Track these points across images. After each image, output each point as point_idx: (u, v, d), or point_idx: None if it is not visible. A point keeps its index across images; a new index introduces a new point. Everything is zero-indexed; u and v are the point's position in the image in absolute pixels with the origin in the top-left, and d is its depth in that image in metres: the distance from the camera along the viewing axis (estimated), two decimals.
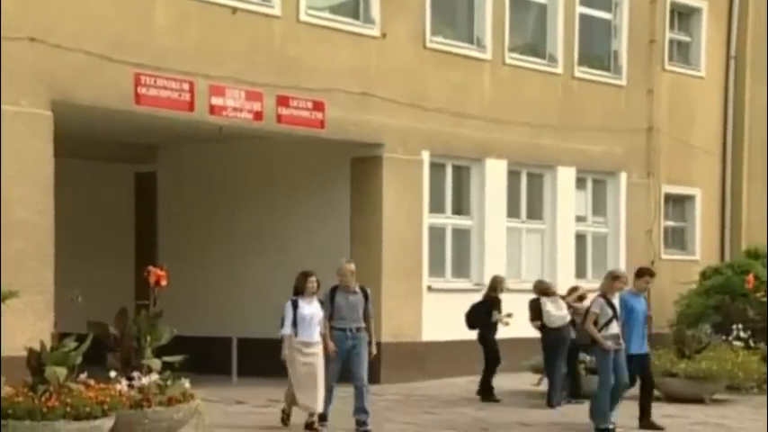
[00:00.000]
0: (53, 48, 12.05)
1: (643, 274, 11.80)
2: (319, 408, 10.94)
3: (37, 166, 11.98)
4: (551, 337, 13.43)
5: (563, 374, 13.45)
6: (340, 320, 11.05)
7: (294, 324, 10.91)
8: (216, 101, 13.58)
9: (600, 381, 11.23)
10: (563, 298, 13.89)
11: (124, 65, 12.64)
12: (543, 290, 13.80)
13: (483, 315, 13.87)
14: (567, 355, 13.51)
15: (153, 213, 17.69)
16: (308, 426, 11.04)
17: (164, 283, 10.88)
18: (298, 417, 11.25)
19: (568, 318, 13.58)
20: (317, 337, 10.98)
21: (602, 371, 11.15)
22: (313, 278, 11.09)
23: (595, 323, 11.09)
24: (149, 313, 10.77)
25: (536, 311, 13.51)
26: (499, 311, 13.92)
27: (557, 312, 13.51)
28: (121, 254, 17.35)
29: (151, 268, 11.06)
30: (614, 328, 11.13)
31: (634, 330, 11.35)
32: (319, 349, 10.98)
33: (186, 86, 13.24)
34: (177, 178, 17.35)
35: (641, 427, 11.48)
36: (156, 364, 10.40)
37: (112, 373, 10.14)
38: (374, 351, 11.28)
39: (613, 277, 11.48)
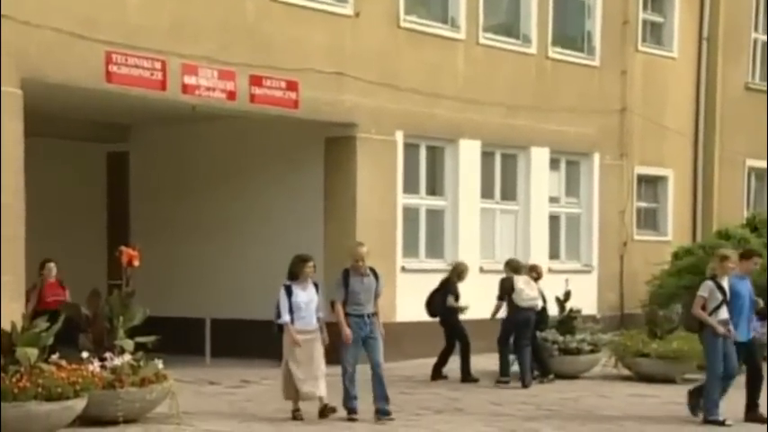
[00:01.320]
0: (22, 24, 11.87)
1: (751, 255, 10.96)
2: (324, 393, 10.56)
3: (7, 146, 11.84)
4: (519, 317, 13.42)
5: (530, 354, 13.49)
6: (356, 306, 10.62)
7: (290, 311, 10.52)
8: (189, 80, 13.47)
9: (709, 370, 10.67)
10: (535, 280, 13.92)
11: (95, 42, 12.50)
12: (515, 268, 13.83)
13: (442, 300, 13.92)
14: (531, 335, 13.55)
15: (125, 193, 17.58)
16: (322, 412, 10.60)
17: (136, 263, 10.83)
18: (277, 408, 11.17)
19: (538, 302, 13.60)
20: (314, 324, 10.63)
21: (711, 359, 10.54)
22: (311, 263, 10.74)
23: (703, 308, 10.50)
24: (122, 293, 10.73)
25: (507, 290, 13.52)
26: (456, 298, 13.95)
27: (530, 292, 13.53)
28: (94, 234, 17.24)
29: (123, 248, 11.01)
30: (723, 313, 10.49)
31: (740, 316, 10.67)
32: (317, 335, 10.63)
33: (158, 65, 13.12)
34: (150, 158, 17.23)
35: (747, 419, 10.91)
36: (129, 344, 10.37)
37: (85, 354, 10.10)
38: (383, 332, 10.82)
39: (722, 257, 10.62)
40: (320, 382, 10.54)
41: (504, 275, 13.81)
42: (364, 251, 10.84)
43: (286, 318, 10.54)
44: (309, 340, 10.57)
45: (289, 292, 10.58)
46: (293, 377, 10.55)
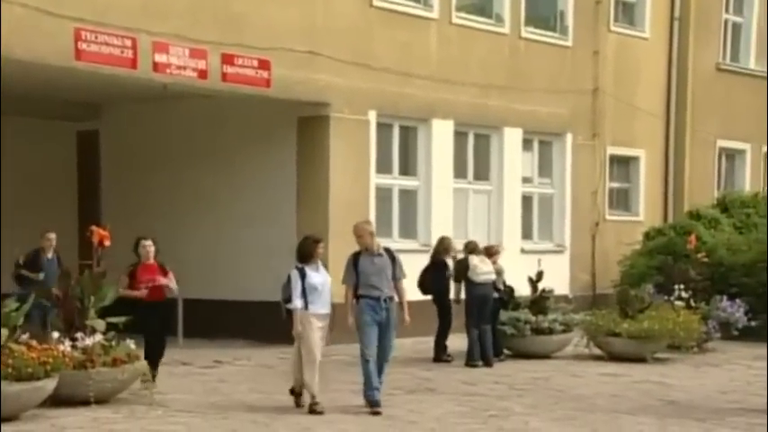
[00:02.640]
0: None
1: None
2: (317, 386, 9.91)
3: None
4: (475, 294, 13.43)
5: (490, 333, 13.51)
6: (370, 289, 9.89)
7: (303, 295, 9.79)
8: (159, 58, 13.35)
9: None
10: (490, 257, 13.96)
11: (64, 19, 12.34)
12: (471, 249, 13.89)
13: (437, 278, 13.90)
14: (490, 315, 13.57)
15: (96, 172, 17.44)
16: (312, 408, 9.90)
17: (107, 243, 10.75)
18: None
19: (493, 276, 13.64)
20: (328, 309, 9.93)
21: None
22: (322, 243, 10.12)
23: None
24: (93, 273, 10.64)
25: (462, 270, 13.54)
26: (448, 271, 14.00)
27: (484, 267, 13.57)
28: (64, 213, 17.09)
29: (94, 228, 10.92)
30: None
31: None
32: (328, 322, 9.96)
33: (129, 43, 12.98)
34: (121, 137, 17.10)
35: None
36: (101, 324, 10.31)
37: (55, 334, 10.03)
38: (407, 318, 10.14)
39: None
40: (317, 372, 9.93)
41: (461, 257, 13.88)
42: (369, 228, 10.18)
43: (298, 303, 9.79)
44: (322, 327, 9.92)
45: (302, 275, 9.82)
46: (304, 363, 9.88)
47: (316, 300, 9.83)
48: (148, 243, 11.12)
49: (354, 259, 10.06)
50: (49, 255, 14.24)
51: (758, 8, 22.55)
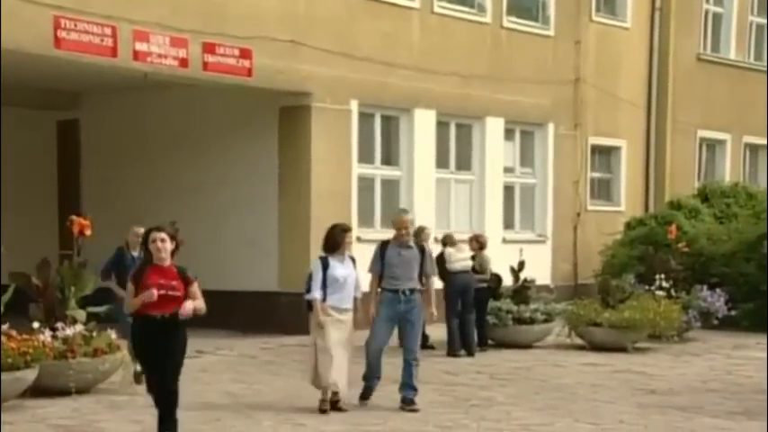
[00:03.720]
0: None
1: None
2: (345, 385, 9.39)
3: None
4: (455, 283, 13.44)
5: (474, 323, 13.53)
6: (392, 280, 9.52)
7: (323, 286, 9.23)
8: (140, 46, 13.27)
9: None
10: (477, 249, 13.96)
11: (43, 7, 12.25)
12: (446, 242, 13.93)
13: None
14: (473, 304, 13.57)
15: (76, 162, 17.34)
16: (334, 404, 9.41)
17: (87, 232, 10.69)
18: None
19: (469, 263, 13.65)
20: (349, 303, 9.36)
21: None
22: (351, 233, 9.55)
23: None
24: (73, 263, 10.58)
25: (441, 264, 13.51)
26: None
27: (459, 254, 13.57)
28: (44, 203, 17.00)
29: (74, 218, 10.85)
30: None
31: None
32: (350, 317, 9.40)
33: (108, 31, 12.89)
34: (101, 126, 17.00)
35: None
36: (81, 314, 10.26)
37: (36, 324, 9.97)
38: (435, 313, 9.88)
39: None
40: (346, 371, 9.36)
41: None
42: (408, 218, 9.69)
43: (317, 294, 9.22)
44: (342, 321, 9.33)
45: (325, 265, 9.25)
46: (319, 362, 9.33)
47: (336, 292, 9.26)
48: (161, 236, 7.75)
49: (382, 248, 9.66)
50: (135, 252, 12.41)
51: None
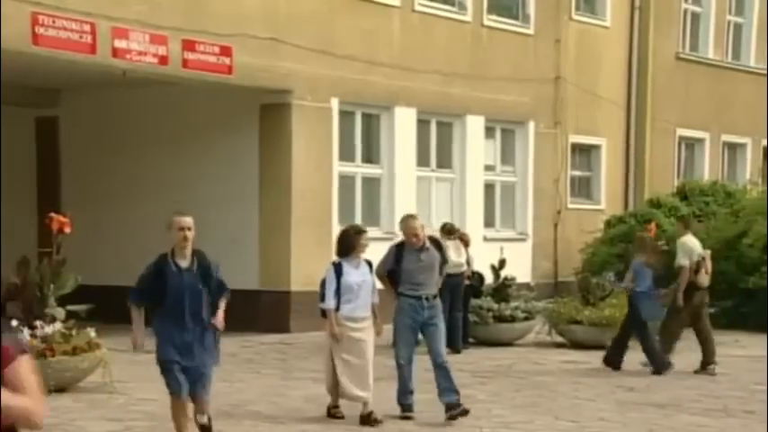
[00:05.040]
0: None
1: None
2: (370, 395, 8.89)
3: None
4: (448, 283, 13.41)
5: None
6: (413, 286, 8.94)
7: (337, 294, 8.69)
8: (119, 44, 13.21)
9: None
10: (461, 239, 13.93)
11: (21, 3, 12.17)
12: (449, 230, 13.83)
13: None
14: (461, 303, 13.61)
15: (55, 159, 17.24)
16: (365, 419, 8.86)
17: (67, 230, 10.63)
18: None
19: (464, 267, 13.60)
20: (366, 311, 8.79)
21: None
22: (367, 235, 8.95)
23: None
24: (52, 261, 10.53)
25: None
26: None
27: (455, 258, 13.53)
28: (22, 201, 16.89)
29: (53, 215, 10.79)
30: None
31: None
32: (370, 324, 8.86)
33: (87, 28, 12.82)
34: (80, 123, 16.91)
35: None
36: (60, 313, 10.21)
37: (14, 322, 9.90)
38: None
39: None
40: (369, 380, 8.84)
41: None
42: (417, 224, 9.05)
43: (331, 303, 8.70)
44: (359, 330, 8.80)
45: (338, 272, 8.69)
46: (340, 376, 8.84)
47: (351, 301, 8.72)
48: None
49: (397, 252, 9.07)
50: None
51: None
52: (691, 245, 12.63)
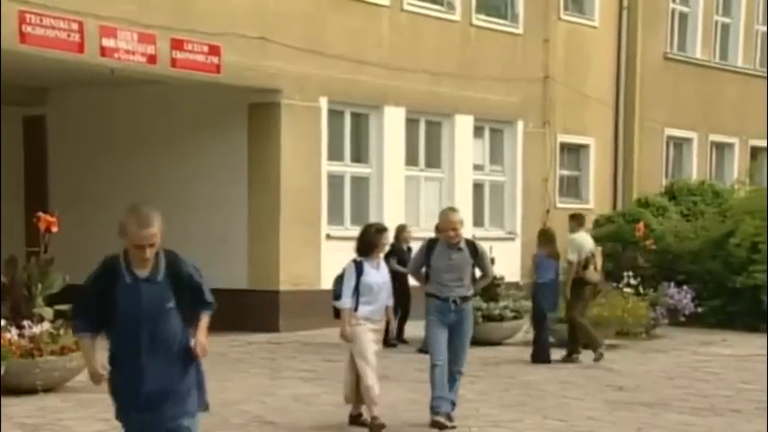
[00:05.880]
0: None
1: None
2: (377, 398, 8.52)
3: None
4: None
5: None
6: (441, 287, 8.49)
7: (355, 294, 8.33)
8: (107, 42, 13.17)
9: None
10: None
11: (8, 1, 12.12)
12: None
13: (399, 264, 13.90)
14: None
15: (43, 158, 17.19)
16: (371, 426, 8.52)
17: (55, 229, 10.60)
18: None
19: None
20: (382, 314, 8.52)
21: None
22: (387, 234, 8.61)
23: None
24: (40, 260, 10.49)
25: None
26: (401, 261, 13.96)
27: None
28: (10, 200, 16.83)
29: (41, 214, 10.76)
30: None
31: None
32: (382, 327, 8.65)
33: (75, 26, 12.78)
34: (68, 122, 16.87)
35: None
36: (48, 312, 10.17)
37: (2, 322, 9.88)
38: None
39: None
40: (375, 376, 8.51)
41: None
42: (456, 218, 8.53)
43: (347, 302, 8.30)
44: (377, 332, 8.52)
45: (359, 271, 8.33)
46: (362, 377, 8.42)
47: (370, 302, 8.37)
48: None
49: (428, 248, 8.66)
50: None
51: None
52: (581, 241, 13.04)
